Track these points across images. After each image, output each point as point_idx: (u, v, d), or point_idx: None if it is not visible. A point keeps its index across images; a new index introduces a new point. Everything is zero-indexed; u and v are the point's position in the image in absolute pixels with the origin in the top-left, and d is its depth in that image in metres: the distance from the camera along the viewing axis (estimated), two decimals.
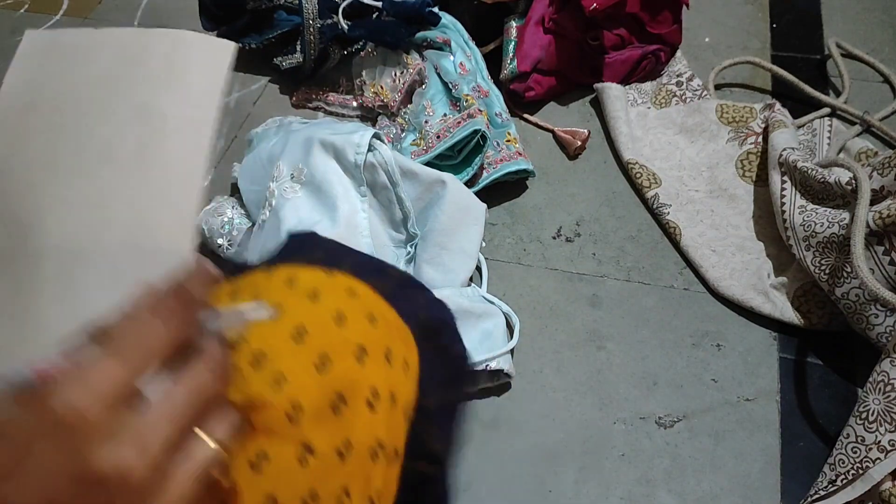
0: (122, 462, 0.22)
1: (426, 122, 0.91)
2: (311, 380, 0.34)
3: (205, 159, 0.35)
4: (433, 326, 0.42)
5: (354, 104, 1.01)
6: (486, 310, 0.75)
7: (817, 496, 0.63)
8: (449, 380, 0.41)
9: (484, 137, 0.85)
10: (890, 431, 0.60)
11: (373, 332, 0.37)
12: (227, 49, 0.36)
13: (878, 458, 0.59)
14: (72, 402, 0.21)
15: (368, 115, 1.02)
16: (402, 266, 0.80)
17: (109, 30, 0.36)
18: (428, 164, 0.87)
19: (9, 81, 0.36)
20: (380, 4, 0.99)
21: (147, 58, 0.36)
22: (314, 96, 1.05)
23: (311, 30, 0.99)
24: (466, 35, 0.99)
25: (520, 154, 0.89)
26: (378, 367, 0.36)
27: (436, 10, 0.99)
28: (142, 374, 0.22)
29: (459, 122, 0.87)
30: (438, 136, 0.88)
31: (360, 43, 1.01)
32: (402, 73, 0.97)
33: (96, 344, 0.22)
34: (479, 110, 0.87)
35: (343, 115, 1.03)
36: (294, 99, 1.06)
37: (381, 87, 0.97)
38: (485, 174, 0.88)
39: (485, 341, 0.73)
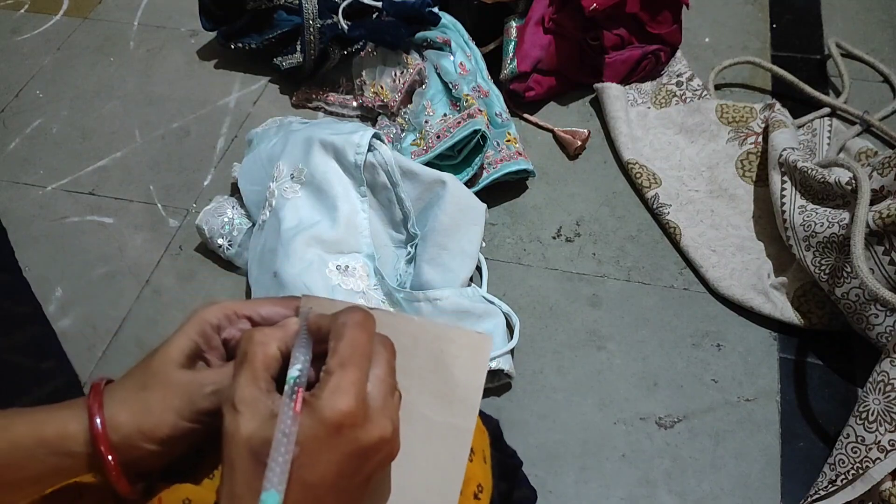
0: (383, 432, 0.32)
1: (426, 122, 0.91)
2: None
3: (462, 468, 0.36)
4: (496, 435, 0.54)
5: (354, 104, 1.01)
6: (486, 310, 0.75)
7: (817, 496, 0.63)
8: (503, 476, 0.50)
9: (484, 137, 0.85)
10: (890, 431, 0.60)
11: (476, 435, 0.46)
12: (486, 346, 0.38)
13: (878, 458, 0.59)
14: (339, 407, 0.30)
15: (368, 115, 1.02)
16: (402, 266, 0.80)
17: (376, 312, 0.36)
18: (428, 163, 0.87)
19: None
20: (380, 4, 0.99)
21: (415, 352, 0.37)
22: (314, 96, 1.05)
23: (311, 30, 0.99)
24: (466, 35, 0.99)
25: (520, 154, 0.89)
26: (479, 465, 0.46)
27: (436, 10, 0.99)
28: (366, 373, 0.32)
29: (459, 122, 0.87)
30: (438, 136, 0.88)
31: (360, 43, 1.01)
32: (402, 73, 0.97)
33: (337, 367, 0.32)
34: (480, 110, 0.87)
35: (343, 115, 1.03)
36: (294, 99, 1.06)
37: (381, 87, 0.97)
38: (485, 174, 0.88)
39: None
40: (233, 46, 1.09)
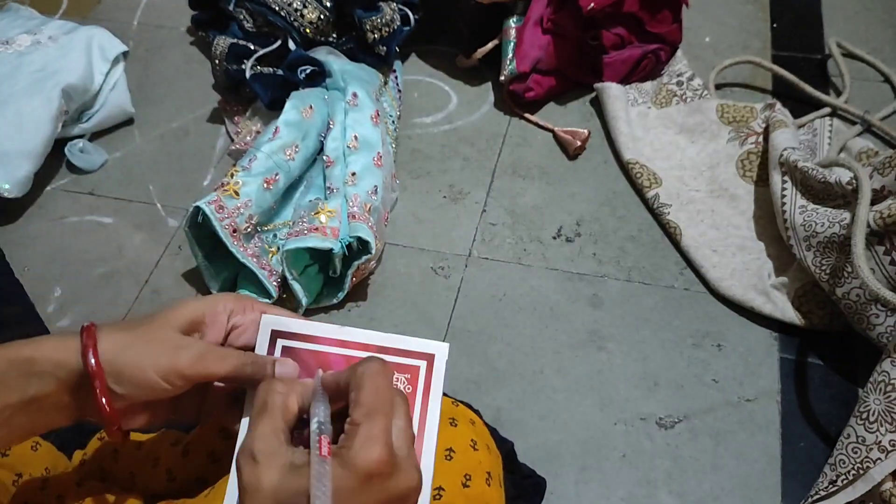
0: (411, 481, 0.33)
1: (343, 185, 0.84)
2: (460, 496, 0.44)
3: (431, 471, 0.37)
4: (509, 457, 0.57)
5: (239, 135, 0.99)
6: None
7: (818, 496, 0.63)
8: (520, 496, 0.52)
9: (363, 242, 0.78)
10: (890, 431, 0.60)
11: (491, 459, 0.48)
12: (442, 351, 0.40)
13: (879, 459, 0.59)
14: (371, 457, 0.31)
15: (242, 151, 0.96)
16: None
17: (349, 329, 0.39)
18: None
19: None
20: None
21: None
22: (228, 108, 1.04)
23: (218, 69, 1.00)
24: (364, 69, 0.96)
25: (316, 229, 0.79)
26: (496, 489, 0.47)
27: (308, 71, 0.93)
28: (391, 421, 0.33)
29: (308, 231, 0.79)
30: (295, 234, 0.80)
31: None
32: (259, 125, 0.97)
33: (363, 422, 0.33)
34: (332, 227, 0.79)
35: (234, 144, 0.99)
36: (220, 102, 1.06)
37: (252, 130, 0.97)
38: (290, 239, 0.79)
39: None
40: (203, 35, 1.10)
